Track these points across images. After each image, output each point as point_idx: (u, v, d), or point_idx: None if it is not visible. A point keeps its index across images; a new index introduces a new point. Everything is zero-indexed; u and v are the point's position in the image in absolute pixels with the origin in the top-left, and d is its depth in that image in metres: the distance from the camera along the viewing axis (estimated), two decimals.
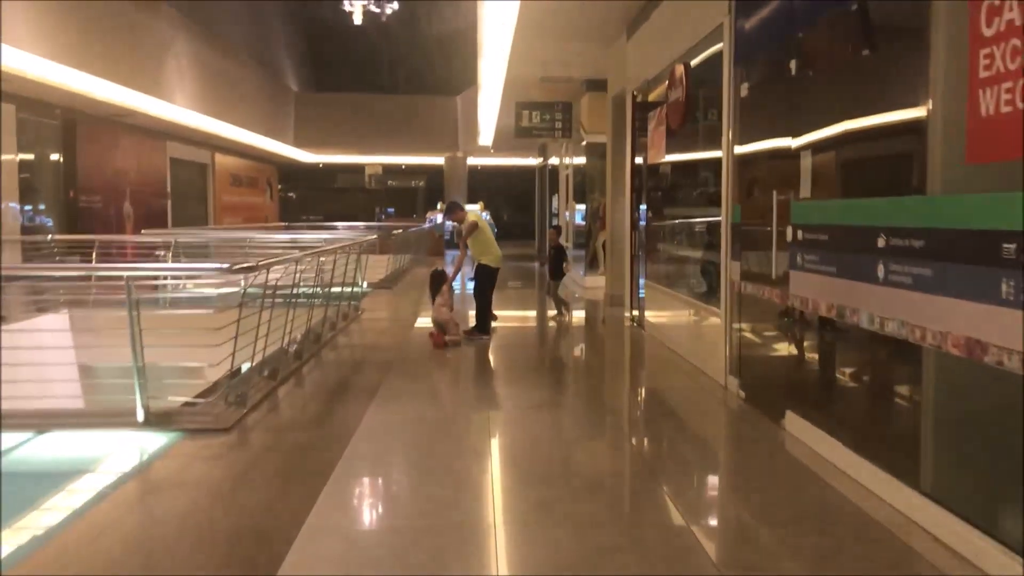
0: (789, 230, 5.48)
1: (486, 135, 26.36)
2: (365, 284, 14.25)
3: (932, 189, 3.90)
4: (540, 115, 14.31)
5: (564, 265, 12.06)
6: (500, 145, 27.98)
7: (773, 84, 6.04)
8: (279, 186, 35.24)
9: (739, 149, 6.69)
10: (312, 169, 36.63)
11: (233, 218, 28.47)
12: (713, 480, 5.25)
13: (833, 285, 4.80)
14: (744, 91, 6.51)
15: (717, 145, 7.22)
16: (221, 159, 27.55)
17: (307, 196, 38.72)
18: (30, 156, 15.42)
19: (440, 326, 9.45)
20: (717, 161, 7.27)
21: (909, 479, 4.06)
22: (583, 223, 17.88)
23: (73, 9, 14.25)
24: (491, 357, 9.19)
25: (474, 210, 9.63)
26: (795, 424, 5.51)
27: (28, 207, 15.38)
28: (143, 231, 16.35)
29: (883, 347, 4.47)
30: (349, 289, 11.58)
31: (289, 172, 35.74)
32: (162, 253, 13.37)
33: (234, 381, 6.29)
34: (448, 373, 8.35)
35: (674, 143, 8.91)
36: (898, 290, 4.07)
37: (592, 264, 16.55)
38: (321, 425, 6.20)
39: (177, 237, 13.46)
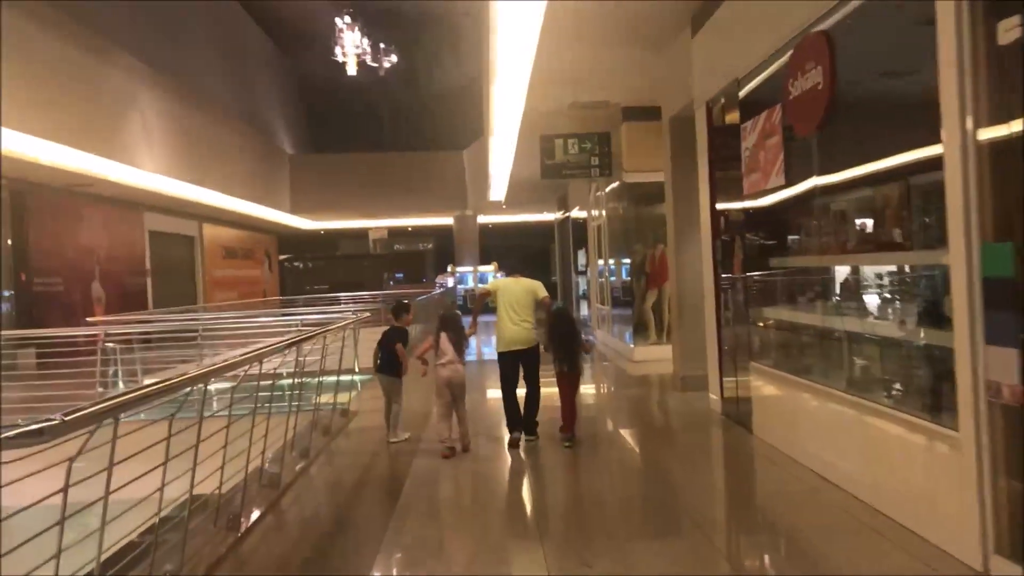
0: None
1: (498, 189, 23.53)
2: (358, 371, 11.09)
3: None
4: (578, 144, 11.31)
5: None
6: (513, 200, 25.20)
7: None
8: (280, 256, 32.46)
9: (994, 133, 3.65)
10: (314, 236, 33.93)
11: (227, 294, 25.82)
12: None
13: None
14: (1013, 31, 3.49)
15: (911, 140, 4.23)
16: (211, 230, 24.96)
17: (310, 266, 35.91)
18: None
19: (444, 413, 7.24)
20: (909, 166, 4.29)
21: None
22: (625, 280, 14.87)
23: (11, 58, 11.46)
24: (542, 495, 6.11)
25: (496, 277, 7.67)
26: None
27: None
28: (88, 320, 13.33)
29: None
30: (337, 380, 8.58)
31: (289, 241, 33.02)
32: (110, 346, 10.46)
33: None
34: (473, 543, 5.20)
35: (803, 156, 5.90)
36: None
37: (638, 331, 13.43)
38: None
39: (111, 328, 10.40)
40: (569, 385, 7.42)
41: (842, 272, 5.64)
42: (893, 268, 5.04)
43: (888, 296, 5.07)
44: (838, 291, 5.69)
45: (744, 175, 6.98)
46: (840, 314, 5.59)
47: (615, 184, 14.19)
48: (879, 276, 5.18)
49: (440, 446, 7.09)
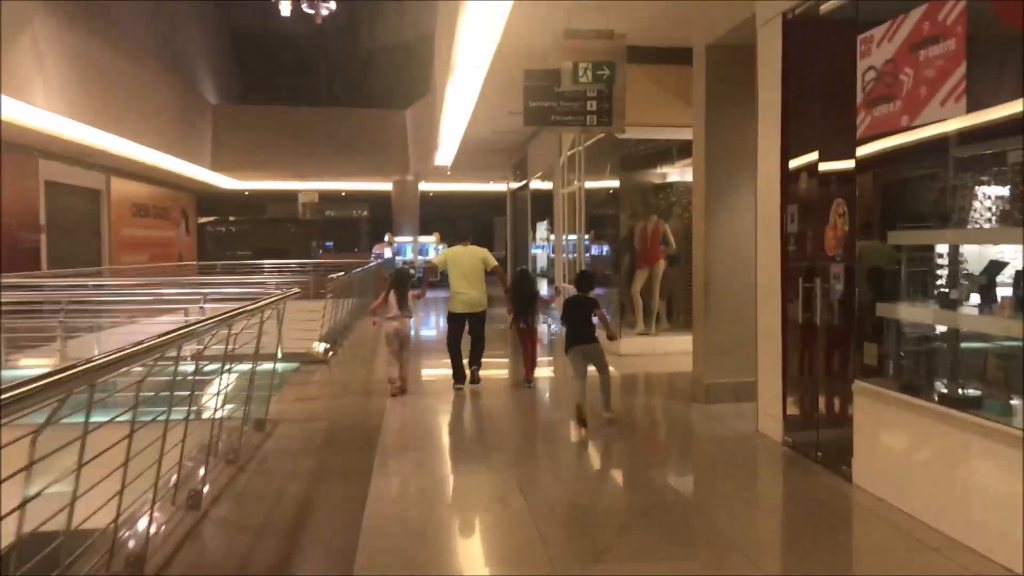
0: None
1: (445, 152, 21.02)
2: (281, 358, 8.66)
3: None
4: (592, 72, 8.83)
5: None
6: (461, 165, 22.70)
7: None
8: (200, 219, 29.49)
9: None
10: (237, 197, 30.97)
11: (137, 256, 23.07)
12: None
13: None
14: None
15: None
16: (120, 184, 22.15)
17: (232, 230, 32.93)
18: None
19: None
20: None
21: None
22: (604, 256, 12.68)
23: None
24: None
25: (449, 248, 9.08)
26: None
27: None
28: None
29: None
30: (252, 371, 6.19)
31: (210, 201, 30.05)
32: None
33: None
34: None
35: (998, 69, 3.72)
36: None
37: (624, 319, 11.22)
38: None
39: None
40: (529, 339, 8.53)
41: None
42: None
43: None
44: None
45: (861, 109, 4.78)
46: None
47: (596, 141, 11.95)
48: None
49: (389, 386, 8.11)
